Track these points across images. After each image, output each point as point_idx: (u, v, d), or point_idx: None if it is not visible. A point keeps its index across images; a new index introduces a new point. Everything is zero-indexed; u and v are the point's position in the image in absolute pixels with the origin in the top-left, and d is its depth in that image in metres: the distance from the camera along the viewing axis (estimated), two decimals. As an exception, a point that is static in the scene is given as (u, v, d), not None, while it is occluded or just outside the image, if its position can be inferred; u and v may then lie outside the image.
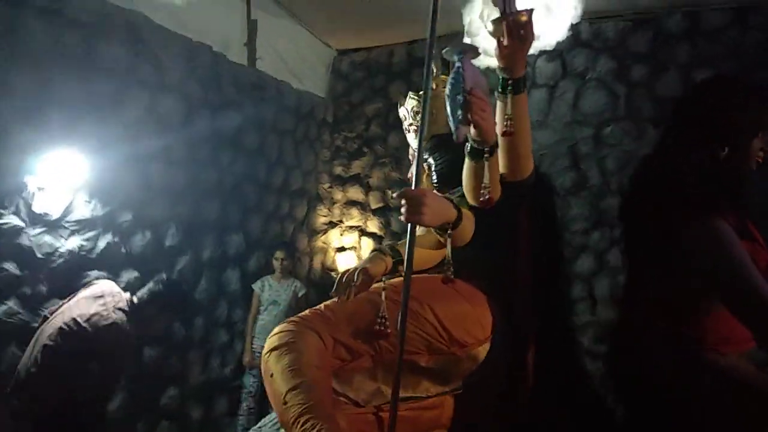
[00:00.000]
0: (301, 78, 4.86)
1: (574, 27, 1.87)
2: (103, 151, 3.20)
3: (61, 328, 2.46)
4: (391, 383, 1.39)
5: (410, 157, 2.04)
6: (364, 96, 5.20)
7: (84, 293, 2.71)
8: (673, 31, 4.11)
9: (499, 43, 1.39)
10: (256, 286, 4.29)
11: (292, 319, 1.50)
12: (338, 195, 5.29)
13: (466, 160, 1.48)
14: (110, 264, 3.31)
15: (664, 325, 1.45)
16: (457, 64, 1.35)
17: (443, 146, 1.87)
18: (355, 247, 5.20)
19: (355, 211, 5.22)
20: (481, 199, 1.36)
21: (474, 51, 1.40)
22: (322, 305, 1.56)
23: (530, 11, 1.35)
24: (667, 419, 1.44)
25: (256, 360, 4.10)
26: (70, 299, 2.68)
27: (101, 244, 3.27)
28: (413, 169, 1.90)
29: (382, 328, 1.42)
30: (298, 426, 1.20)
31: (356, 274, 1.41)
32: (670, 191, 1.46)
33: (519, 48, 1.38)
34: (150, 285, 2.85)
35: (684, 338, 1.43)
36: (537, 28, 1.41)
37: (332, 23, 4.69)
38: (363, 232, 5.18)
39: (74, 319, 2.49)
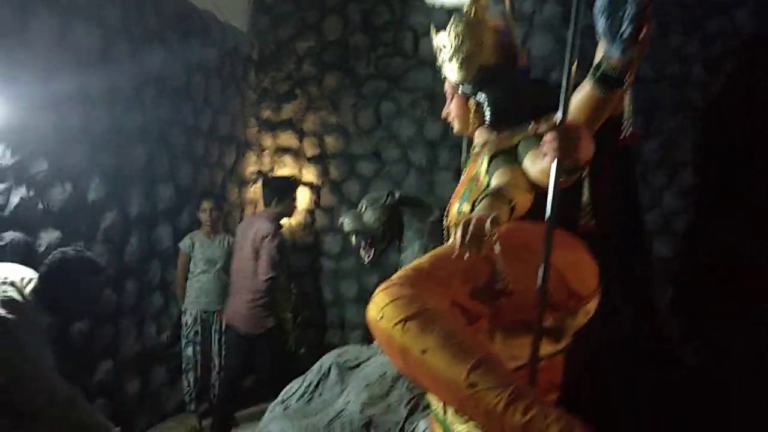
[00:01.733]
0: (221, 9, 4.32)
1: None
2: (7, 86, 2.61)
3: None
4: (510, 346, 1.23)
5: (447, 94, 1.81)
6: (293, 32, 4.76)
7: None
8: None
9: None
10: (184, 244, 3.79)
11: (396, 280, 1.24)
12: (268, 141, 4.88)
13: (590, 89, 1.27)
14: (26, 222, 2.76)
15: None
16: None
17: (493, 80, 1.67)
18: (289, 198, 4.87)
19: (288, 159, 4.87)
20: (622, 136, 1.19)
21: None
22: (424, 261, 1.32)
23: None
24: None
25: (193, 327, 3.73)
26: None
27: (14, 199, 2.71)
28: (472, 104, 1.70)
29: (503, 285, 1.24)
30: (517, 413, 0.97)
31: (487, 223, 1.15)
32: None
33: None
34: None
35: None
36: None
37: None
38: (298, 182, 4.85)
39: None
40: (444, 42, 1.71)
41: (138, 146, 3.50)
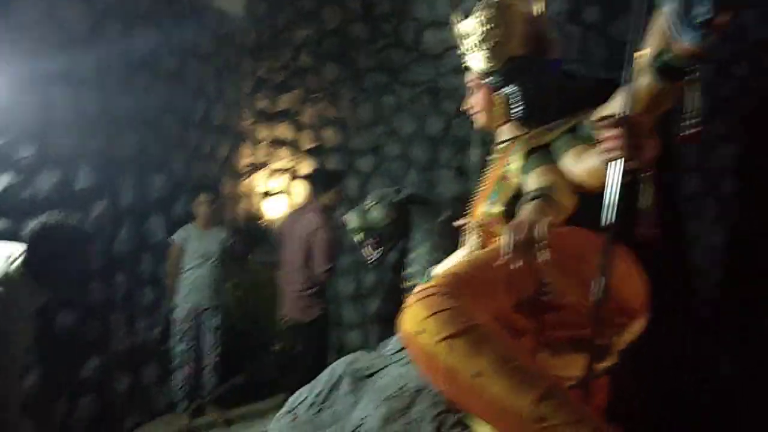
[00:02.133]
0: (216, -7, 4.15)
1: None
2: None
3: None
4: (554, 366, 1.11)
5: (470, 85, 1.67)
6: (291, 20, 4.60)
7: None
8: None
9: None
10: (178, 237, 3.63)
11: (434, 288, 1.11)
12: (263, 133, 4.72)
13: (649, 80, 1.10)
14: (11, 210, 2.59)
15: None
16: None
17: (524, 71, 1.54)
18: (285, 192, 4.73)
19: (284, 152, 4.71)
20: (683, 133, 1.05)
21: None
22: (462, 268, 1.19)
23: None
24: None
25: (185, 323, 3.58)
26: None
27: (-2, 185, 2.54)
28: (499, 97, 1.56)
29: (550, 298, 1.11)
30: None
31: (539, 228, 1.03)
32: None
33: None
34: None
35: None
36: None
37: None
38: (294, 176, 4.71)
39: None
40: (470, 29, 1.57)
41: (129, 132, 3.34)
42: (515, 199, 1.40)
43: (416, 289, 1.14)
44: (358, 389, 1.74)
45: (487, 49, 1.53)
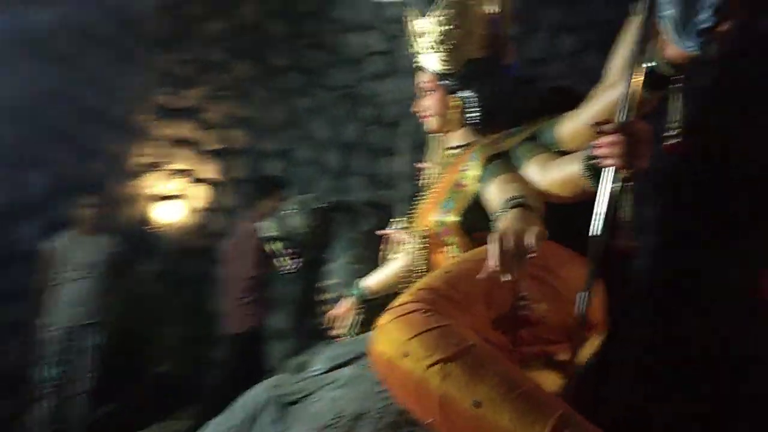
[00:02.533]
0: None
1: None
2: None
3: None
4: None
5: (423, 86, 1.55)
6: (204, 11, 4.28)
7: None
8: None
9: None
10: (57, 244, 3.22)
11: (413, 304, 0.98)
12: (163, 130, 4.32)
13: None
14: None
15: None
16: None
17: (482, 75, 1.46)
18: (183, 196, 4.36)
19: (184, 152, 4.35)
20: (665, 144, 0.99)
21: None
22: (436, 281, 1.07)
23: None
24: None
25: (55, 344, 3.13)
26: None
27: None
28: (454, 100, 1.46)
29: (526, 312, 1.00)
30: None
31: (528, 238, 0.92)
32: None
33: None
34: None
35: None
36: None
37: None
38: (195, 178, 4.36)
39: None
40: (426, 28, 1.47)
41: (4, 122, 2.88)
42: (472, 208, 1.34)
43: (393, 305, 1.03)
44: (285, 418, 1.52)
45: (445, 50, 1.46)
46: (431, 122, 1.56)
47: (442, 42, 1.46)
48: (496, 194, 1.23)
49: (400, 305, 1.01)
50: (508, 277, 0.90)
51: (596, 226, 1.00)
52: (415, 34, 1.52)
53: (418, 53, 1.53)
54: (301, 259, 2.55)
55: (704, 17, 0.88)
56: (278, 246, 2.55)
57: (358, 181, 4.21)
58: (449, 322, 0.96)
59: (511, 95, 1.51)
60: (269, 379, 1.72)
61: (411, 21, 1.53)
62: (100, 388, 3.27)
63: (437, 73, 1.50)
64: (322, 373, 1.72)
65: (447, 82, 1.49)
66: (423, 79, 1.55)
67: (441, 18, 1.45)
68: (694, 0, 0.89)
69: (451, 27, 1.44)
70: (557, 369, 1.10)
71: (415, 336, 0.93)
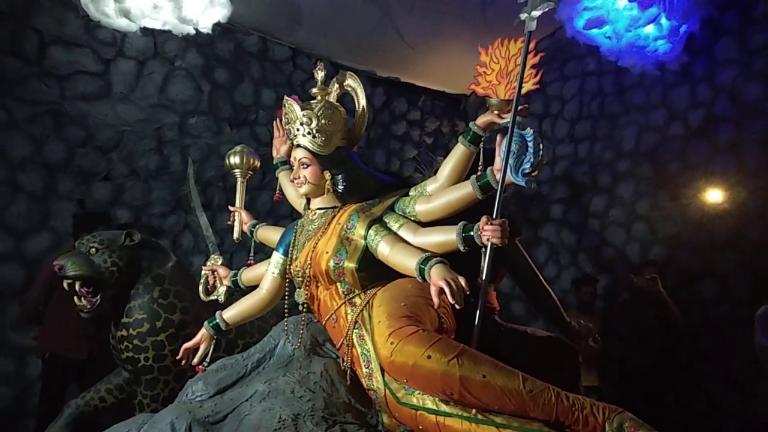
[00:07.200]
0: None
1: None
2: None
3: None
4: None
5: (300, 161, 1.97)
6: None
7: None
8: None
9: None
10: None
11: (412, 329, 1.52)
12: None
13: (470, 190, 1.71)
14: None
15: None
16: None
17: (345, 160, 1.95)
18: None
19: None
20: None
21: None
22: (404, 308, 1.62)
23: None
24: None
25: None
26: None
27: None
28: (327, 176, 1.92)
29: (444, 324, 1.68)
30: (564, 400, 1.43)
31: (464, 283, 1.52)
32: None
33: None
34: None
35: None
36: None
37: None
38: None
39: None
40: (304, 117, 1.89)
41: None
42: (364, 256, 1.83)
43: (394, 330, 1.55)
44: (220, 434, 1.81)
45: (321, 137, 1.90)
46: (305, 188, 1.97)
47: (319, 131, 1.89)
48: (402, 252, 1.75)
49: (400, 329, 1.52)
50: (458, 306, 1.51)
51: (485, 275, 1.77)
52: (295, 117, 1.91)
53: (296, 132, 1.93)
54: (99, 298, 2.49)
55: (527, 166, 1.61)
56: (78, 285, 2.44)
57: (65, 206, 3.95)
58: (441, 335, 1.53)
59: (365, 175, 1.99)
60: (172, 410, 1.91)
61: (288, 105, 1.94)
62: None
63: (313, 153, 1.91)
64: (211, 396, 2.02)
65: (321, 161, 1.92)
66: (300, 155, 1.94)
67: (317, 112, 1.89)
68: (522, 155, 1.67)
69: (326, 121, 1.89)
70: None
71: (431, 345, 1.46)
